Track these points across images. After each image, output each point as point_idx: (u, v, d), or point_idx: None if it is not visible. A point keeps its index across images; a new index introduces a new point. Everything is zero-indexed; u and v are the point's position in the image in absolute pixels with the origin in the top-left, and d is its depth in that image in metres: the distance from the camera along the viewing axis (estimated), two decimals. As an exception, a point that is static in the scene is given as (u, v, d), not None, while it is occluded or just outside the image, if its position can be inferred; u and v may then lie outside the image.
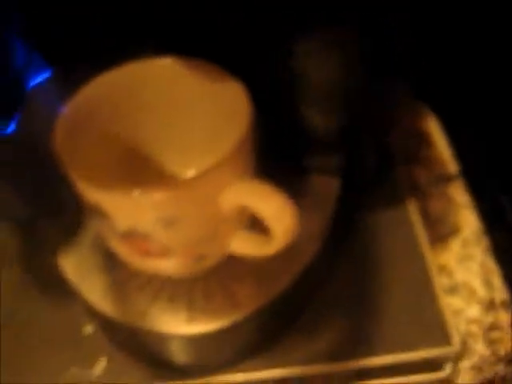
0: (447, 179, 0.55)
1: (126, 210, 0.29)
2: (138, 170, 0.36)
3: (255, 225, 0.31)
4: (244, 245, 0.32)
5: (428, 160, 0.56)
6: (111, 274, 0.36)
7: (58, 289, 0.39)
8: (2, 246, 0.41)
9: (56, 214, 0.37)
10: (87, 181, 0.28)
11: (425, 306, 0.39)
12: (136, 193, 0.27)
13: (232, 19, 0.32)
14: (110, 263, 0.36)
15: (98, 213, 0.29)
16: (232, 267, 0.36)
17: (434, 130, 0.57)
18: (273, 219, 0.28)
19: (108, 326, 0.37)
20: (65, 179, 0.37)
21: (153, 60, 0.33)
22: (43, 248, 0.39)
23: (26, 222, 0.37)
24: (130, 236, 0.30)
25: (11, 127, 0.32)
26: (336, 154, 0.39)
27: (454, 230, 0.47)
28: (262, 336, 0.37)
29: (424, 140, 0.58)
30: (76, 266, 0.37)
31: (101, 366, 0.37)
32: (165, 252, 0.31)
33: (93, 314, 0.37)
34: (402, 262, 0.41)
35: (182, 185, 0.27)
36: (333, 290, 0.39)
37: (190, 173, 0.36)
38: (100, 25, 0.32)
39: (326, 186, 0.39)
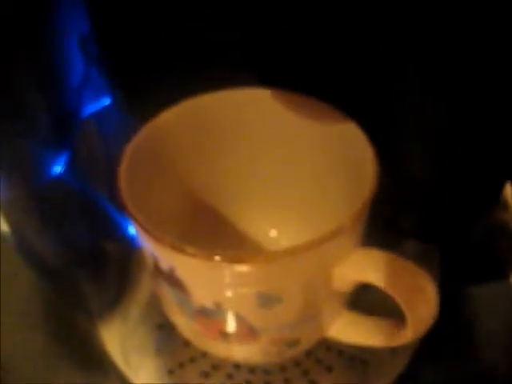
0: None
1: (211, 282, 0.21)
2: (211, 223, 0.29)
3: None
4: (351, 330, 0.25)
5: (506, 228, 0.50)
6: (166, 354, 0.29)
7: (91, 365, 0.31)
8: (27, 301, 0.33)
9: (99, 272, 0.30)
10: (161, 241, 0.21)
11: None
12: (232, 261, 0.20)
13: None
14: (165, 341, 0.29)
15: (171, 282, 0.22)
16: (317, 355, 0.28)
17: (510, 196, 0.52)
18: (410, 302, 0.21)
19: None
20: (112, 230, 0.31)
21: (243, 91, 0.26)
22: (79, 311, 0.31)
23: (61, 277, 0.29)
24: (207, 313, 0.23)
25: (60, 167, 0.25)
26: (434, 218, 0.32)
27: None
28: None
29: (501, 207, 0.52)
30: (120, 341, 0.29)
31: None
32: (250, 336, 0.24)
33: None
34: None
35: (292, 253, 0.20)
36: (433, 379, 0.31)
37: (273, 233, 0.30)
38: (175, 46, 0.26)
39: (425, 255, 0.32)
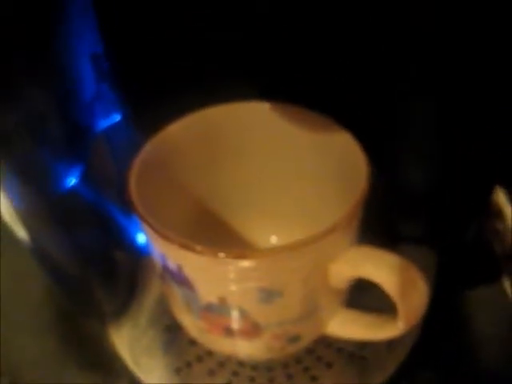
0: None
1: (216, 278, 0.23)
2: (215, 229, 0.31)
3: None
4: (348, 325, 0.26)
5: (500, 235, 0.51)
6: (174, 354, 0.30)
7: (104, 366, 0.33)
8: (39, 307, 0.35)
9: (109, 278, 0.32)
10: (170, 240, 0.22)
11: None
12: (236, 257, 0.22)
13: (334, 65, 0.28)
14: (173, 342, 0.30)
15: (179, 280, 0.24)
16: (318, 352, 0.30)
17: (505, 204, 0.53)
18: (401, 294, 0.23)
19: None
20: (122, 239, 0.32)
21: (244, 104, 0.28)
22: (90, 316, 0.33)
23: (74, 283, 0.31)
24: (213, 310, 0.24)
25: (74, 179, 0.27)
26: (433, 222, 0.34)
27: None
28: None
29: (495, 215, 0.54)
30: (131, 342, 0.31)
31: None
32: (253, 331, 0.25)
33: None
34: (504, 345, 0.35)
35: (290, 249, 0.22)
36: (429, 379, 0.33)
37: (274, 239, 0.32)
38: (187, 62, 0.28)
39: (423, 259, 0.33)
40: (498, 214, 0.51)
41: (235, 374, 0.29)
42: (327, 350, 0.29)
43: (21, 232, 0.28)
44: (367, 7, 0.26)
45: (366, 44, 0.28)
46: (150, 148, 0.27)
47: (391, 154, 0.32)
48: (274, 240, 0.32)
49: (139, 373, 0.30)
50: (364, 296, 0.27)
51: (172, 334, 0.31)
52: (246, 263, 0.22)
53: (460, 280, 0.38)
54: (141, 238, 0.32)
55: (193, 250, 0.22)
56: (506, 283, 0.40)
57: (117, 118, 0.29)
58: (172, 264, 0.24)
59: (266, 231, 0.32)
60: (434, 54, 0.26)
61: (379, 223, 0.34)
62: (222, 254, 0.21)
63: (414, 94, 0.29)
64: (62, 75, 0.26)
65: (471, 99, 0.28)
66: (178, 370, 0.30)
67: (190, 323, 0.27)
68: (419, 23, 0.26)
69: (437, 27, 0.26)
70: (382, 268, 0.23)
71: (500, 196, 0.51)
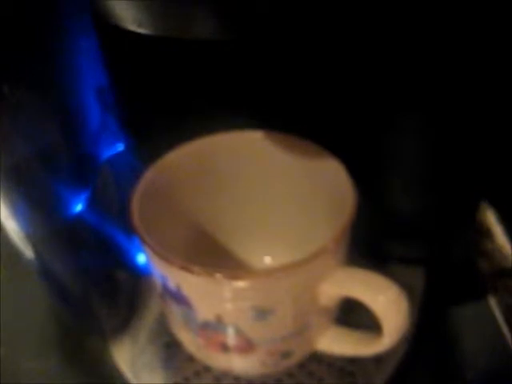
0: (509, 273, 0.51)
1: (213, 297, 0.25)
2: (212, 251, 0.33)
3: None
4: (338, 342, 0.28)
5: (489, 254, 0.53)
6: (173, 369, 0.32)
7: (105, 382, 0.34)
8: (42, 326, 0.36)
9: (110, 296, 0.33)
10: (170, 262, 0.24)
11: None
12: (231, 278, 0.23)
13: (324, 95, 0.30)
14: (172, 357, 0.32)
15: (178, 299, 0.26)
16: (309, 368, 0.31)
17: (493, 223, 0.55)
18: (385, 312, 0.24)
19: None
20: (124, 260, 0.34)
21: (238, 133, 0.30)
22: (92, 333, 0.34)
23: (77, 302, 0.33)
24: (210, 327, 0.26)
25: (80, 205, 0.29)
26: (421, 242, 0.35)
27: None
28: None
29: (484, 234, 0.55)
30: (131, 359, 0.32)
31: None
32: (248, 347, 0.27)
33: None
34: (489, 362, 0.36)
35: (281, 271, 0.24)
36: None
37: (267, 259, 0.33)
38: (184, 95, 0.30)
39: (412, 277, 0.35)
40: (487, 233, 0.53)
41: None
42: (319, 365, 0.31)
43: (28, 253, 0.29)
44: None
45: (352, 74, 0.30)
46: (151, 175, 0.29)
47: (380, 177, 0.34)
48: (267, 260, 0.34)
49: (140, 388, 0.31)
50: (354, 312, 0.29)
51: (171, 350, 0.32)
52: (240, 283, 0.23)
53: (447, 298, 0.40)
54: (141, 259, 0.34)
55: (191, 271, 0.23)
56: (492, 301, 0.42)
57: (120, 147, 0.31)
58: (171, 284, 0.25)
59: (260, 252, 0.34)
60: (421, 81, 0.28)
61: (370, 244, 0.36)
62: (218, 275, 0.23)
63: (402, 121, 0.31)
64: (70, 109, 0.27)
65: (459, 126, 0.29)
66: (177, 385, 0.31)
67: (189, 340, 0.29)
68: (404, 57, 0.27)
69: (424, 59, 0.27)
70: (367, 288, 0.24)
71: (488, 216, 0.53)
